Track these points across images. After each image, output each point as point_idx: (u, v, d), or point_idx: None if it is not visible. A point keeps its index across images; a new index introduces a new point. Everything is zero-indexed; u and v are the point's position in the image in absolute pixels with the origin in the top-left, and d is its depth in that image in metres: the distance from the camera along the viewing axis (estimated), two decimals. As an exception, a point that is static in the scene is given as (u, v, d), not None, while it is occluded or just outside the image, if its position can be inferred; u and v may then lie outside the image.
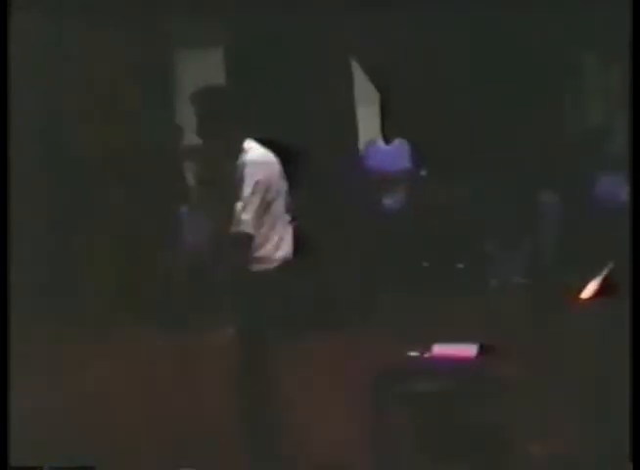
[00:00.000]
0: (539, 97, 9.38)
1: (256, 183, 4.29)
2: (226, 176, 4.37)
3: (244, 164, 4.35)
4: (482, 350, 4.23)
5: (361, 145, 9.09)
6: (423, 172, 9.31)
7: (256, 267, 4.37)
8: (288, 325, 4.36)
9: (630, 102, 4.17)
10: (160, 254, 7.16)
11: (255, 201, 4.29)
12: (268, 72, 8.21)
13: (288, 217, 4.48)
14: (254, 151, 4.41)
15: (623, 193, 8.53)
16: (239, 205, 4.28)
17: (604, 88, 9.97)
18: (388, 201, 8.96)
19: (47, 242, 7.72)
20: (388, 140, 9.15)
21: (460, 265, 9.08)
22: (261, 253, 4.37)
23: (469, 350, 4.22)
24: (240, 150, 4.36)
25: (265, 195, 4.34)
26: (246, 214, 4.29)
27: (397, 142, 9.14)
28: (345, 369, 5.71)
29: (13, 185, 4.12)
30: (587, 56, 9.94)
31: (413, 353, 4.27)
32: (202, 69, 8.87)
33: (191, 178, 8.40)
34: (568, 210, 8.97)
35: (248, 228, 4.27)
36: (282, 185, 4.48)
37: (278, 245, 4.42)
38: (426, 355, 4.26)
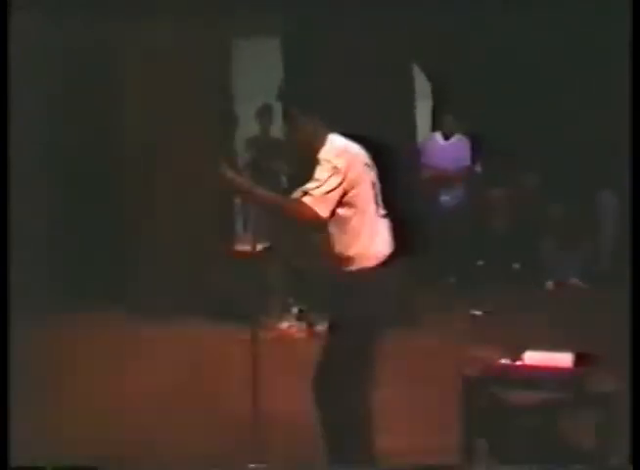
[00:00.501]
0: (603, 96, 9.15)
1: (335, 168, 3.97)
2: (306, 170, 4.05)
3: (325, 153, 4.03)
4: (578, 360, 4.11)
5: (419, 140, 9.01)
6: (478, 169, 9.27)
7: (353, 266, 4.07)
8: (375, 324, 4.10)
9: (630, 102, 4.14)
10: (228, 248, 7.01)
11: (332, 185, 3.97)
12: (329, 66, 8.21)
13: (381, 211, 4.16)
14: (336, 141, 4.11)
15: None
16: (311, 183, 3.97)
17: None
18: (446, 197, 8.91)
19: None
20: (447, 136, 9.09)
21: (516, 265, 9.09)
22: (354, 250, 4.08)
23: (563, 359, 4.09)
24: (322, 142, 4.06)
25: (348, 185, 4.03)
26: (315, 191, 3.95)
27: (456, 138, 9.07)
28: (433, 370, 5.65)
29: (13, 185, 4.09)
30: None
31: (504, 361, 4.13)
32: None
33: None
34: (624, 209, 8.57)
35: (311, 202, 3.92)
36: (369, 177, 4.14)
37: (372, 240, 4.11)
38: (518, 363, 4.11)
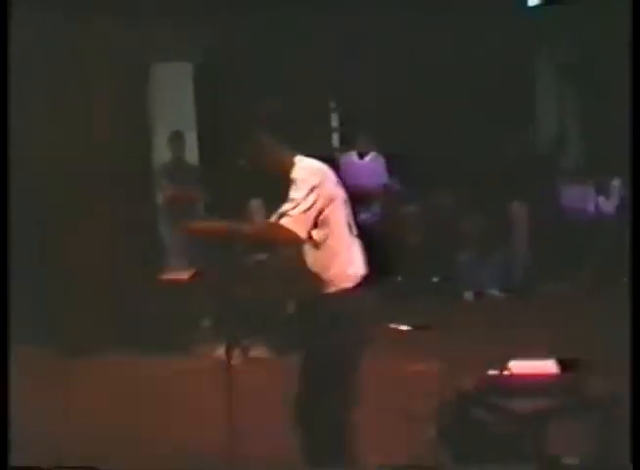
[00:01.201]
0: (507, 111, 9.65)
1: (311, 188, 3.89)
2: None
3: (298, 172, 3.97)
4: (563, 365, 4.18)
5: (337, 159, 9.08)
6: (396, 186, 9.39)
7: (331, 287, 3.99)
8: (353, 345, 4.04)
9: (630, 102, 4.09)
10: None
11: (308, 203, 3.89)
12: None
13: (355, 231, 4.11)
14: (306, 160, 4.05)
15: (587, 203, 9.31)
16: (287, 204, 3.89)
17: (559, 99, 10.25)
18: (364, 215, 8.95)
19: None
20: (361, 155, 9.20)
21: (435, 279, 9.23)
22: (332, 271, 3.99)
23: (548, 366, 4.15)
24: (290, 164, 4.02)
25: (322, 203, 3.95)
26: (294, 211, 3.87)
27: (371, 156, 9.21)
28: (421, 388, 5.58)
29: (13, 185, 4.08)
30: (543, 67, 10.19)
31: (492, 372, 4.16)
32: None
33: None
34: (536, 220, 9.15)
35: (290, 224, 3.85)
36: (341, 195, 4.08)
37: (349, 260, 4.04)
38: (506, 373, 4.14)
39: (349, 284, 4.05)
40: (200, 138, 8.98)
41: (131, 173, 7.43)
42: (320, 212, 3.97)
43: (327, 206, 3.98)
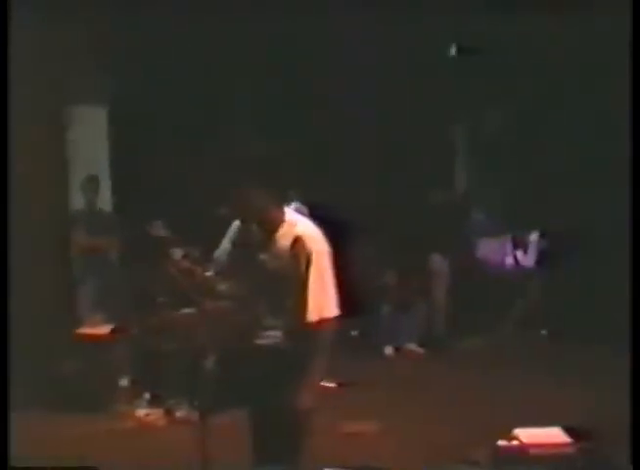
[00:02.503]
0: (428, 164, 9.71)
1: (318, 260, 3.88)
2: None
3: (302, 239, 3.90)
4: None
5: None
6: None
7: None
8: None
9: (631, 103, 4.14)
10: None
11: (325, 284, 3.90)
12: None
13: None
14: (304, 223, 4.02)
15: (505, 257, 9.44)
16: (312, 292, 3.84)
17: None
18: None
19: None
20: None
21: (355, 332, 9.04)
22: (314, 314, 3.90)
23: (557, 435, 4.12)
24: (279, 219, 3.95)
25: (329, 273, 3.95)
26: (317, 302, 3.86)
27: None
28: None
29: (13, 185, 4.15)
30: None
31: (501, 442, 4.14)
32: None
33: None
34: (456, 273, 9.13)
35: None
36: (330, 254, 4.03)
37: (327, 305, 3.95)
38: (515, 443, 4.12)
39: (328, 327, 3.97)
40: (115, 184, 8.75)
41: (45, 221, 7.09)
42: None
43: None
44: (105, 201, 8.60)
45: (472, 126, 10.17)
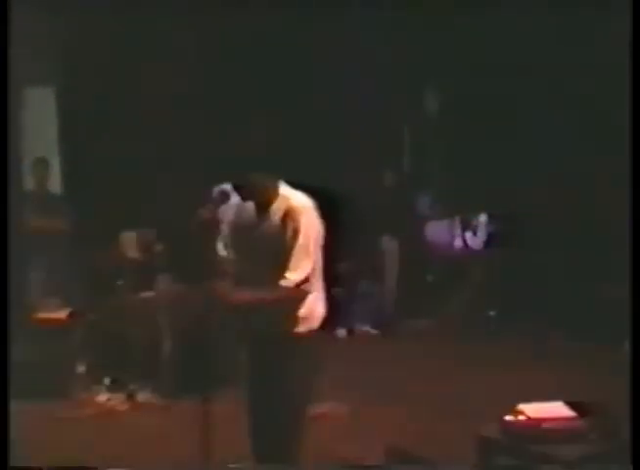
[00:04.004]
0: (379, 143, 9.72)
1: (306, 230, 3.94)
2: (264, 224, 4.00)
3: (293, 211, 3.98)
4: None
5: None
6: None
7: (301, 328, 4.02)
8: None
9: (630, 102, 4.13)
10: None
11: (308, 249, 3.94)
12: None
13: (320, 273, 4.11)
14: (298, 196, 4.08)
15: (454, 238, 9.45)
16: (294, 255, 3.89)
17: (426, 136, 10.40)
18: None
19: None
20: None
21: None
22: (304, 311, 4.03)
23: (561, 410, 4.12)
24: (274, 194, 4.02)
25: (315, 245, 4.03)
26: (301, 265, 3.91)
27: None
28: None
29: (13, 185, 4.10)
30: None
31: (509, 418, 4.11)
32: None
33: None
34: (405, 255, 9.16)
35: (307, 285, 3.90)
36: (321, 232, 4.11)
37: (316, 301, 4.07)
38: (522, 418, 4.08)
39: (315, 325, 4.06)
40: (64, 166, 8.55)
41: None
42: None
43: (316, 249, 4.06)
44: (54, 182, 8.39)
45: (418, 106, 10.19)
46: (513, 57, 8.69)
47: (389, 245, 9.19)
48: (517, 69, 8.70)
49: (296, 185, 4.08)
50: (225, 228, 4.17)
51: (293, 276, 3.89)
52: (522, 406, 4.12)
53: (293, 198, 4.04)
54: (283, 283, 3.89)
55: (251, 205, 4.06)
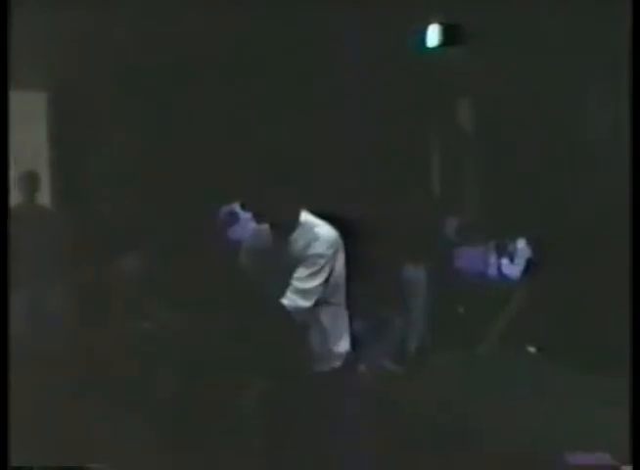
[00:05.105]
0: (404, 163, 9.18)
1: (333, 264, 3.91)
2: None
3: (317, 239, 3.90)
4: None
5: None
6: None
7: (319, 366, 3.99)
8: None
9: (631, 103, 4.22)
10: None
11: (323, 277, 3.87)
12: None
13: (345, 306, 4.11)
14: (323, 226, 4.00)
15: (488, 266, 8.82)
16: (301, 273, 3.85)
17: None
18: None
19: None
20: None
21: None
22: (326, 347, 4.00)
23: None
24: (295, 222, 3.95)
25: (333, 276, 3.96)
26: (310, 284, 3.85)
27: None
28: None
29: (12, 186, 4.23)
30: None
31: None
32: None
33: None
34: (433, 285, 8.56)
35: (304, 300, 3.84)
36: (343, 268, 4.05)
37: (340, 336, 4.03)
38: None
39: (336, 364, 4.05)
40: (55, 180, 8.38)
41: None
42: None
43: (335, 281, 4.03)
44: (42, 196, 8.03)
45: (447, 120, 9.67)
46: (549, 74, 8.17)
47: (415, 274, 8.58)
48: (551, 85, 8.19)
49: (312, 210, 4.00)
50: (240, 253, 4.10)
51: (304, 284, 3.84)
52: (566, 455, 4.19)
53: (318, 227, 4.00)
54: (295, 302, 3.83)
55: (266, 229, 3.99)
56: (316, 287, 3.88)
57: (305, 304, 3.85)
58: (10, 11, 4.28)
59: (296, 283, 3.82)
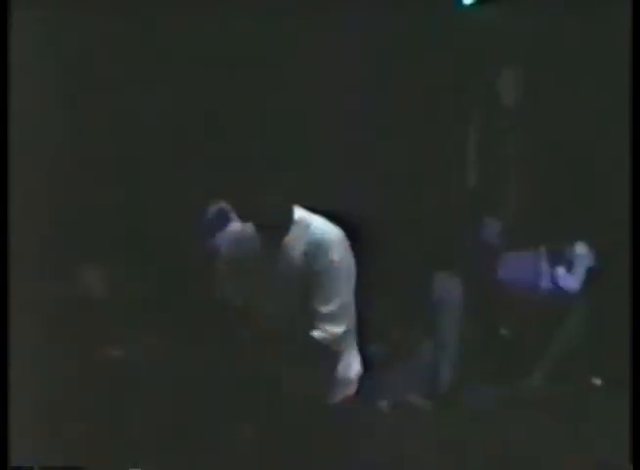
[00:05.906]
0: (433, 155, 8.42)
1: (337, 270, 3.65)
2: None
3: (317, 244, 3.64)
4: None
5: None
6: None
7: (333, 395, 3.71)
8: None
9: (630, 102, 4.35)
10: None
11: (345, 290, 3.68)
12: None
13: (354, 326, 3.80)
14: (321, 224, 3.74)
15: (540, 277, 8.10)
16: (318, 292, 3.58)
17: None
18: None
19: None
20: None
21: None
22: (337, 371, 3.72)
23: None
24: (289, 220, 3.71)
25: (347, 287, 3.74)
26: (333, 303, 3.59)
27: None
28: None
29: (13, 186, 4.30)
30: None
31: None
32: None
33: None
34: (469, 299, 7.82)
35: (336, 326, 3.59)
36: (354, 271, 3.78)
37: (351, 359, 3.77)
38: None
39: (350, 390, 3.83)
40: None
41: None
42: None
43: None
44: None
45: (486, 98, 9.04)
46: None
47: (447, 286, 7.76)
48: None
49: (315, 208, 3.77)
50: (223, 262, 3.89)
51: (327, 306, 3.59)
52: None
53: (315, 226, 3.76)
54: (327, 332, 3.60)
55: (252, 230, 3.75)
56: (343, 305, 3.64)
57: (339, 329, 3.60)
58: (10, 11, 4.45)
59: (317, 306, 3.55)
